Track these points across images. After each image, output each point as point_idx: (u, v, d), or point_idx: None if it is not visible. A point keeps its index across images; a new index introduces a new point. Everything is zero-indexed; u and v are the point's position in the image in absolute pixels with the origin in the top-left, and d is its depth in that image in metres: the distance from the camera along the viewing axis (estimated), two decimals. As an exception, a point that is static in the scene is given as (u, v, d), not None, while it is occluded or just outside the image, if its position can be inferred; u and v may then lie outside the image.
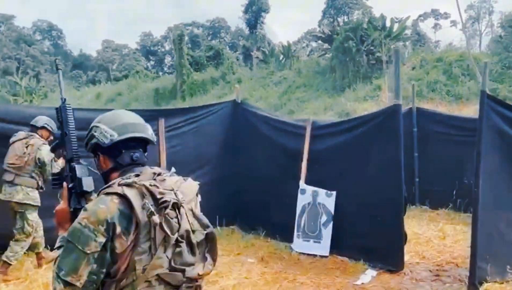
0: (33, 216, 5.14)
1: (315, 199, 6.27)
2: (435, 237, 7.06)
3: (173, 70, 41.37)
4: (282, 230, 6.58)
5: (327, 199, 6.21)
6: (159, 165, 6.63)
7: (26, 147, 5.09)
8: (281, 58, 35.13)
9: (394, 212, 5.51)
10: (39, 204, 5.17)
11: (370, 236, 5.76)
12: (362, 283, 5.17)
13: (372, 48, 29.71)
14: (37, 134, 5.23)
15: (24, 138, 5.15)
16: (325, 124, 6.44)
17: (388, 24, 30.96)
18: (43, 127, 5.28)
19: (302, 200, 6.36)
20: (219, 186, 7.06)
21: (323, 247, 6.15)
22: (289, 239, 6.45)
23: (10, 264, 5.07)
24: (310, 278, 5.34)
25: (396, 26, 31.25)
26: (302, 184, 6.40)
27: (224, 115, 7.35)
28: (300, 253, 6.22)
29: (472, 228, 4.78)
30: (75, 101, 38.89)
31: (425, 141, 9.08)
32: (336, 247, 6.10)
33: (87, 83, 48.92)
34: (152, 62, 62.93)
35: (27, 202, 5.07)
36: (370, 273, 5.48)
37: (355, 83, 29.23)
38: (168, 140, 6.77)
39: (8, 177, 5.10)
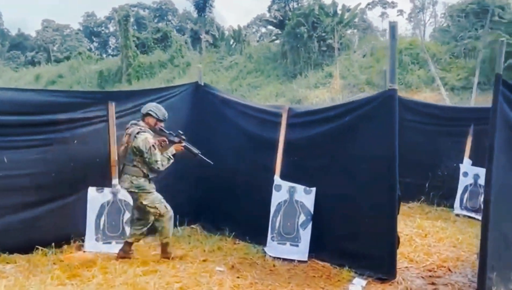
0: (148, 201, 5.19)
1: (292, 197, 5.50)
2: (416, 235, 6.51)
3: (117, 52, 39.46)
4: (254, 231, 5.79)
5: (306, 197, 5.46)
6: (108, 159, 5.65)
7: (127, 136, 5.17)
8: (231, 43, 34.14)
9: (386, 212, 4.82)
10: (150, 191, 5.20)
11: (356, 239, 5.08)
12: (353, 296, 4.48)
13: (324, 34, 29.28)
14: (144, 121, 5.24)
15: (127, 128, 5.23)
16: (305, 111, 5.63)
17: (339, 11, 30.66)
18: (147, 114, 5.25)
19: (277, 198, 5.57)
20: (180, 180, 6.20)
21: (301, 251, 5.40)
22: (262, 242, 5.67)
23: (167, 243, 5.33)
24: (293, 291, 4.58)
25: (347, 13, 30.97)
26: (277, 179, 5.61)
27: (185, 99, 6.42)
28: (274, 257, 5.45)
29: (482, 236, 4.15)
30: (13, 83, 36.32)
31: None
32: (315, 250, 5.38)
33: (25, 64, 46.15)
34: (95, 44, 60.11)
35: (132, 190, 5.16)
36: (358, 282, 4.79)
37: (306, 70, 28.81)
38: (119, 128, 5.78)
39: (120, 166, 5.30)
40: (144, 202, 5.17)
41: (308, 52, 29.26)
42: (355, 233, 5.10)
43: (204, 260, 5.35)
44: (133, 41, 31.14)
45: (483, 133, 7.43)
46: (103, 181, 5.62)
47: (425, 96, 23.53)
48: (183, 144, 5.30)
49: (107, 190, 5.67)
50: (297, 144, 5.53)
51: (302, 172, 5.48)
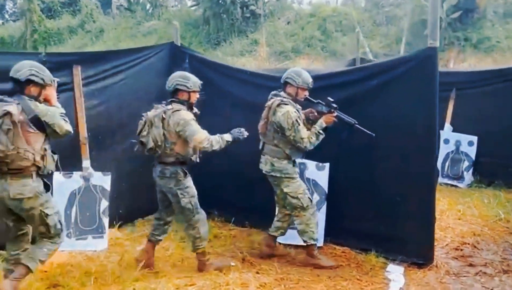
0: (290, 188, 4.26)
1: (302, 174, 4.73)
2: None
3: (17, 17, 35.69)
4: (256, 215, 5.02)
5: (319, 173, 4.74)
6: (76, 137, 4.52)
7: (266, 109, 4.29)
8: (148, 7, 32.04)
9: (423, 189, 4.24)
10: (294, 176, 4.28)
11: (383, 220, 4.48)
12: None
13: (247, 0, 28.35)
14: (285, 91, 4.31)
15: (268, 99, 4.33)
16: (319, 74, 4.80)
17: (262, -25, 29.73)
18: (286, 82, 4.31)
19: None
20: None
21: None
22: (266, 226, 4.88)
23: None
24: (330, 287, 3.88)
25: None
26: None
27: (160, 63, 5.34)
28: (286, 245, 4.73)
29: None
30: None
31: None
32: (331, 233, 4.73)
33: None
34: (-13, 9, 54.02)
35: (273, 174, 4.28)
36: (395, 269, 4.22)
37: (230, 37, 27.83)
38: (86, 98, 4.64)
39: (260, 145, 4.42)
40: (285, 190, 4.26)
41: (232, 18, 28.19)
42: (382, 213, 4.49)
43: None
44: (38, 5, 28.16)
45: (466, 98, 7.24)
46: (72, 164, 4.48)
47: (344, 63, 23.69)
48: (335, 114, 4.25)
49: (76, 174, 4.55)
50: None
51: (316, 147, 4.72)
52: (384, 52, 24.18)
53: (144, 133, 3.95)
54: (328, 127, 4.27)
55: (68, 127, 3.40)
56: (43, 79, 3.35)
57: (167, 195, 4.05)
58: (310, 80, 4.27)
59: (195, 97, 4.04)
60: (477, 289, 3.89)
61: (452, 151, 7.39)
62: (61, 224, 3.47)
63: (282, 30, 26.77)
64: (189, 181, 4.02)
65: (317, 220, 4.36)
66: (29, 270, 3.33)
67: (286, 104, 4.16)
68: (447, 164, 7.45)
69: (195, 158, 4.07)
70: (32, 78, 3.29)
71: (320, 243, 4.67)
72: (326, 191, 4.72)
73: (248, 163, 4.65)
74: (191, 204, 3.98)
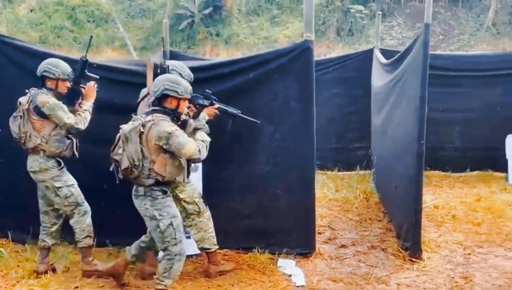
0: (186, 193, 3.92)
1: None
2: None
3: None
4: (117, 231, 4.29)
5: (192, 175, 4.32)
6: None
7: None
8: None
9: (303, 180, 4.30)
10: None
11: (265, 216, 4.38)
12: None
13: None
14: None
15: None
16: (196, 66, 4.24)
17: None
18: None
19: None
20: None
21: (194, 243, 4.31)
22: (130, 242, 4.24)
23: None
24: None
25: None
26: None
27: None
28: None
29: None
30: None
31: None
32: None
33: None
34: None
35: None
36: (286, 263, 4.17)
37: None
38: None
39: None
40: (181, 196, 3.85)
41: None
42: (261, 210, 4.37)
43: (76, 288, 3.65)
44: None
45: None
46: None
47: (109, 55, 22.82)
48: (217, 105, 3.87)
49: None
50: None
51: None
52: (142, 45, 24.02)
53: (120, 150, 3.21)
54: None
55: (68, 120, 3.74)
56: (54, 74, 3.79)
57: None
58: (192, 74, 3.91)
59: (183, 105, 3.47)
60: (365, 268, 4.14)
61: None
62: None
63: (25, 19, 23.94)
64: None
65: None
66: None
67: None
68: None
69: (182, 179, 3.42)
70: (46, 73, 3.79)
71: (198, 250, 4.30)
72: (201, 192, 4.35)
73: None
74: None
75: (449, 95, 7.34)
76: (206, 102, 3.89)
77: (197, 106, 3.91)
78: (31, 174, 3.84)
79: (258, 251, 4.31)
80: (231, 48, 23.18)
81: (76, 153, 3.95)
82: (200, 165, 4.32)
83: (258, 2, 24.61)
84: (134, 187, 3.35)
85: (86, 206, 3.94)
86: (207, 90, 3.89)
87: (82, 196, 3.94)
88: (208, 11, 23.00)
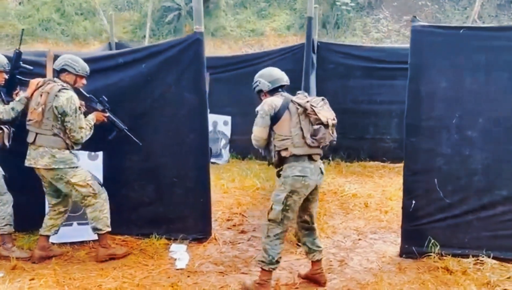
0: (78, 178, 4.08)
1: (73, 166, 4.43)
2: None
3: None
4: (20, 217, 4.43)
5: (92, 163, 4.48)
6: None
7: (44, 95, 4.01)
8: None
9: (198, 168, 4.47)
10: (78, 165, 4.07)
11: (162, 204, 4.55)
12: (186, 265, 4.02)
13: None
14: (60, 79, 4.09)
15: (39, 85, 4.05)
16: (88, 57, 4.44)
17: None
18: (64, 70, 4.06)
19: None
20: None
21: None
22: (34, 227, 4.44)
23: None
24: (118, 278, 3.77)
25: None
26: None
27: None
28: (60, 244, 4.38)
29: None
30: None
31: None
32: (111, 224, 4.55)
33: None
34: None
35: (55, 166, 3.98)
36: (177, 248, 4.34)
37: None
38: None
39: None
40: (73, 180, 3.99)
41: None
42: (159, 197, 4.55)
43: None
44: None
45: (220, 81, 7.83)
46: None
47: (95, 48, 22.95)
48: (107, 114, 4.20)
49: None
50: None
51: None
52: (129, 37, 24.10)
53: None
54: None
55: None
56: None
57: None
58: (88, 68, 4.07)
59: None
60: (251, 252, 4.31)
61: (210, 131, 7.90)
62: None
63: (13, 11, 24.10)
64: None
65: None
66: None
67: (67, 90, 3.91)
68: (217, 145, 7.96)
69: None
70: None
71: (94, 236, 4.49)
72: (101, 181, 4.52)
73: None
74: None
75: (386, 87, 7.46)
76: (99, 107, 4.14)
77: (89, 107, 4.12)
78: None
79: (155, 237, 4.48)
80: (217, 41, 23.21)
81: (7, 144, 4.04)
82: (100, 154, 4.50)
83: (246, -5, 24.66)
84: None
85: (9, 196, 4.17)
86: (103, 97, 4.14)
87: (5, 186, 4.14)
88: (195, 3, 23.05)
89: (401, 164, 7.27)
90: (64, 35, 23.50)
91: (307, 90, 4.41)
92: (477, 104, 3.81)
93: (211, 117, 7.83)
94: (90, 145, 4.42)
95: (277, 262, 3.46)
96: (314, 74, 6.42)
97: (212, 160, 7.89)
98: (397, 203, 5.59)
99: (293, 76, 5.43)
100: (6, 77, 4.10)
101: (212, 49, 21.54)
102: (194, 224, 4.54)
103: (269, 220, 3.45)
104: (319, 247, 3.64)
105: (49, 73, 4.39)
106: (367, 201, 5.72)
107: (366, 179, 6.83)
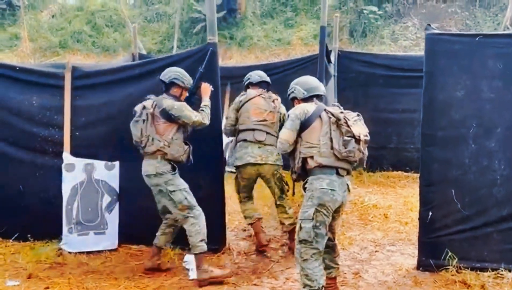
0: None
1: (90, 176, 4.52)
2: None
3: None
4: (40, 227, 4.56)
5: (108, 173, 4.57)
6: None
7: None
8: None
9: (213, 178, 4.49)
10: None
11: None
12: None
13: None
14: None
15: None
16: (97, 70, 4.58)
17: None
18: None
19: (71, 180, 4.47)
20: None
21: (110, 238, 4.56)
22: (53, 237, 4.53)
23: None
24: (131, 288, 3.80)
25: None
26: (67, 157, 4.49)
27: None
28: (76, 253, 4.43)
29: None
30: None
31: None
32: (126, 234, 4.63)
33: None
34: None
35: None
36: (191, 258, 4.33)
37: (-15, 30, 24.78)
38: None
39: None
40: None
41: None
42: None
43: None
44: None
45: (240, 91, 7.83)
46: None
47: (123, 59, 23.35)
48: None
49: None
50: (89, 111, 4.53)
51: (102, 145, 4.55)
52: (158, 48, 24.48)
53: None
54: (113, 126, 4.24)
55: (196, 118, 3.89)
56: (183, 82, 4.01)
57: None
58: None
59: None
60: (265, 263, 4.28)
61: (231, 141, 7.89)
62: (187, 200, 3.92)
63: (46, 24, 24.85)
64: None
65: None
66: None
67: None
68: (227, 153, 7.94)
69: None
70: (175, 80, 3.99)
71: (115, 245, 4.55)
72: (118, 191, 4.59)
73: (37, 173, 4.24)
74: None
75: (409, 96, 7.33)
76: None
77: None
78: (146, 178, 3.95)
79: (170, 247, 4.49)
80: (244, 51, 23.32)
81: (192, 159, 4.08)
82: (116, 164, 4.56)
83: (273, 4, 24.68)
84: None
85: (199, 209, 3.97)
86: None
87: (194, 199, 3.99)
88: (222, 14, 23.20)
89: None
90: (95, 47, 23.98)
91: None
92: (495, 113, 3.70)
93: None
94: (107, 154, 4.52)
95: (323, 287, 3.21)
96: (332, 83, 6.36)
97: (232, 169, 7.90)
98: (417, 215, 5.46)
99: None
100: (187, 94, 4.11)
101: (239, 58, 21.66)
102: (209, 234, 4.51)
103: (300, 242, 3.20)
104: (337, 264, 3.52)
105: (68, 84, 4.51)
106: (387, 212, 5.61)
107: (387, 189, 6.71)
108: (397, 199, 6.16)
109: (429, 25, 3.86)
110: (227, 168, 7.92)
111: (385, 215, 5.52)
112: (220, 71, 8.23)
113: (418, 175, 7.09)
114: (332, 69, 6.53)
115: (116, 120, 4.50)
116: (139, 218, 4.56)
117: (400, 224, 5.22)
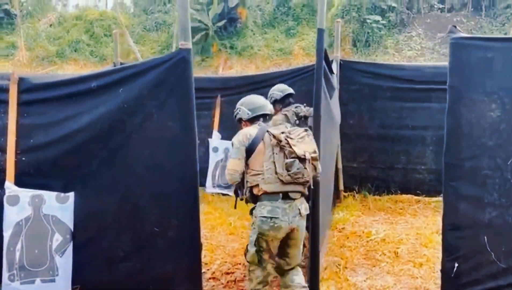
0: None
1: (38, 210, 3.71)
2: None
3: None
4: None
5: (60, 207, 3.75)
6: None
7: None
8: None
9: (185, 214, 3.66)
10: None
11: (142, 256, 3.74)
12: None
13: (-4, -1, 25.18)
14: None
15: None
16: (48, 82, 3.78)
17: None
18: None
19: (13, 216, 3.67)
20: None
21: (62, 286, 3.73)
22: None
23: None
24: None
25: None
26: (10, 186, 3.68)
27: None
28: (20, 304, 3.63)
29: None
30: None
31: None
32: (81, 280, 3.80)
33: None
34: None
35: None
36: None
37: (-22, 40, 24.40)
38: None
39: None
40: None
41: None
42: (139, 248, 3.75)
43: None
44: None
45: (233, 104, 7.06)
46: None
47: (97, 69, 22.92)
48: None
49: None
50: (40, 131, 3.73)
51: (53, 173, 3.75)
52: (156, 57, 23.81)
53: None
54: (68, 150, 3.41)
55: None
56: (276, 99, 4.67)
57: None
58: None
59: None
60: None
61: (222, 159, 7.12)
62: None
63: (44, 33, 24.34)
64: None
65: None
66: None
67: None
68: (217, 173, 7.17)
69: None
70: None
71: (68, 293, 3.73)
72: (72, 228, 3.78)
73: None
74: None
75: (420, 111, 6.55)
76: None
77: None
78: None
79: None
80: (245, 61, 22.73)
81: None
82: (71, 195, 3.76)
83: (274, 14, 24.11)
84: None
85: None
86: None
87: None
88: (223, 23, 22.61)
89: (438, 198, 6.48)
90: (93, 56, 23.49)
91: (317, 108, 3.58)
92: (540, 139, 2.89)
93: (223, 144, 7.10)
94: (58, 184, 3.73)
95: None
96: (336, 98, 5.59)
97: (224, 191, 7.12)
98: (434, 252, 4.65)
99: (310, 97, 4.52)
100: None
101: (239, 68, 21.09)
102: (182, 279, 3.71)
103: (247, 261, 3.31)
104: (300, 283, 3.20)
105: (13, 98, 3.72)
106: (397, 248, 4.79)
107: (397, 218, 5.89)
108: (408, 231, 5.34)
109: (455, 26, 3.07)
110: (218, 190, 7.20)
111: (395, 252, 4.71)
112: (210, 82, 7.62)
113: (431, 199, 6.47)
114: (335, 81, 5.74)
115: (70, 142, 3.70)
116: (98, 261, 3.76)
117: (413, 265, 4.40)
